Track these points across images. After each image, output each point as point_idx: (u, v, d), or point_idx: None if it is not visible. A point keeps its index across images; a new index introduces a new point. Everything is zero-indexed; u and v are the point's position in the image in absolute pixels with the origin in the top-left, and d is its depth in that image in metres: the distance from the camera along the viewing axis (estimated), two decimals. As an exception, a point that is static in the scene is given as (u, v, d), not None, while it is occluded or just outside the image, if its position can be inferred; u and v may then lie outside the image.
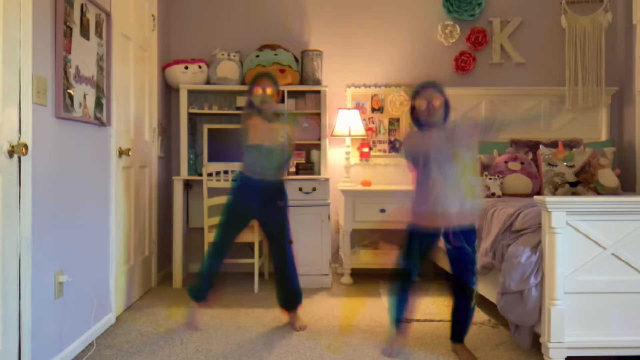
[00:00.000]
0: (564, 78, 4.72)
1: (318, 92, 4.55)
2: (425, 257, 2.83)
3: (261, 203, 3.16)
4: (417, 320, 3.29)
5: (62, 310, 2.58)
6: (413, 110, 2.71)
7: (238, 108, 4.54)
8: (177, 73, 4.47)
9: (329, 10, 4.86)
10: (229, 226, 3.21)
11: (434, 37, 4.84)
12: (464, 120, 2.60)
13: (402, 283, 2.76)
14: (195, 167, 4.59)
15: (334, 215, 4.64)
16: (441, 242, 2.70)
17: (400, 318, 2.80)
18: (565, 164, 4.08)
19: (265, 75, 3.28)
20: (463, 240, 2.59)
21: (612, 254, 2.47)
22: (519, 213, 2.92)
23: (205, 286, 3.20)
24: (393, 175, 4.75)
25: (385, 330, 3.11)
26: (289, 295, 3.27)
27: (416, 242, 2.68)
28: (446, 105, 2.66)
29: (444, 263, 4.04)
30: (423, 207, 2.60)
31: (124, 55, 3.51)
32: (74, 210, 2.72)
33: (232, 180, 3.27)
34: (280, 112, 3.31)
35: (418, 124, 2.71)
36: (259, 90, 3.19)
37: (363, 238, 4.67)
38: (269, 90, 3.20)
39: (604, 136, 4.74)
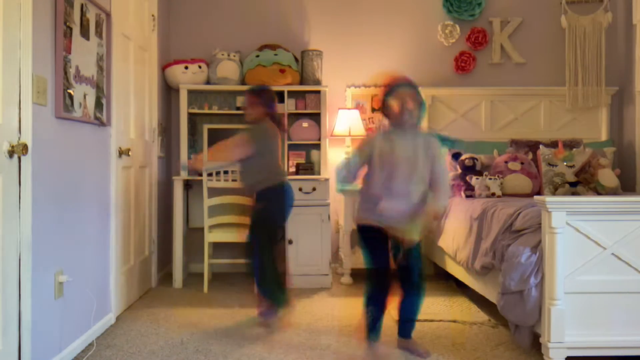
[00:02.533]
0: (564, 78, 4.72)
1: (318, 92, 4.54)
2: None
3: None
4: (417, 321, 3.29)
5: (62, 310, 2.58)
6: (385, 109, 2.64)
7: (238, 108, 4.54)
8: (177, 73, 4.47)
9: (329, 10, 4.85)
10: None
11: (434, 37, 4.84)
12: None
13: None
14: (195, 167, 4.59)
15: (334, 215, 4.64)
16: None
17: None
18: (565, 164, 4.08)
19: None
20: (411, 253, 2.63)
21: (612, 254, 2.47)
22: (519, 213, 2.91)
23: (281, 290, 3.29)
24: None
25: (384, 331, 3.10)
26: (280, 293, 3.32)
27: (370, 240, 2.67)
28: (421, 107, 2.61)
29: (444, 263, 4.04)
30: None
31: (124, 55, 3.51)
32: (74, 210, 2.72)
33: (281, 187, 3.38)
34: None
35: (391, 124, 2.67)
36: None
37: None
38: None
39: (604, 136, 4.74)
